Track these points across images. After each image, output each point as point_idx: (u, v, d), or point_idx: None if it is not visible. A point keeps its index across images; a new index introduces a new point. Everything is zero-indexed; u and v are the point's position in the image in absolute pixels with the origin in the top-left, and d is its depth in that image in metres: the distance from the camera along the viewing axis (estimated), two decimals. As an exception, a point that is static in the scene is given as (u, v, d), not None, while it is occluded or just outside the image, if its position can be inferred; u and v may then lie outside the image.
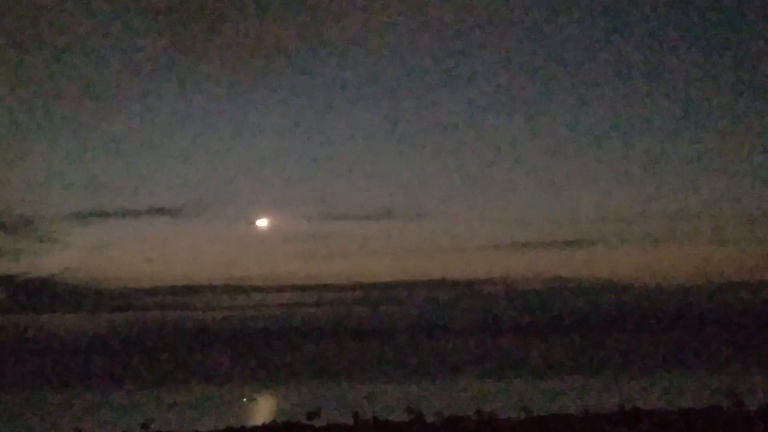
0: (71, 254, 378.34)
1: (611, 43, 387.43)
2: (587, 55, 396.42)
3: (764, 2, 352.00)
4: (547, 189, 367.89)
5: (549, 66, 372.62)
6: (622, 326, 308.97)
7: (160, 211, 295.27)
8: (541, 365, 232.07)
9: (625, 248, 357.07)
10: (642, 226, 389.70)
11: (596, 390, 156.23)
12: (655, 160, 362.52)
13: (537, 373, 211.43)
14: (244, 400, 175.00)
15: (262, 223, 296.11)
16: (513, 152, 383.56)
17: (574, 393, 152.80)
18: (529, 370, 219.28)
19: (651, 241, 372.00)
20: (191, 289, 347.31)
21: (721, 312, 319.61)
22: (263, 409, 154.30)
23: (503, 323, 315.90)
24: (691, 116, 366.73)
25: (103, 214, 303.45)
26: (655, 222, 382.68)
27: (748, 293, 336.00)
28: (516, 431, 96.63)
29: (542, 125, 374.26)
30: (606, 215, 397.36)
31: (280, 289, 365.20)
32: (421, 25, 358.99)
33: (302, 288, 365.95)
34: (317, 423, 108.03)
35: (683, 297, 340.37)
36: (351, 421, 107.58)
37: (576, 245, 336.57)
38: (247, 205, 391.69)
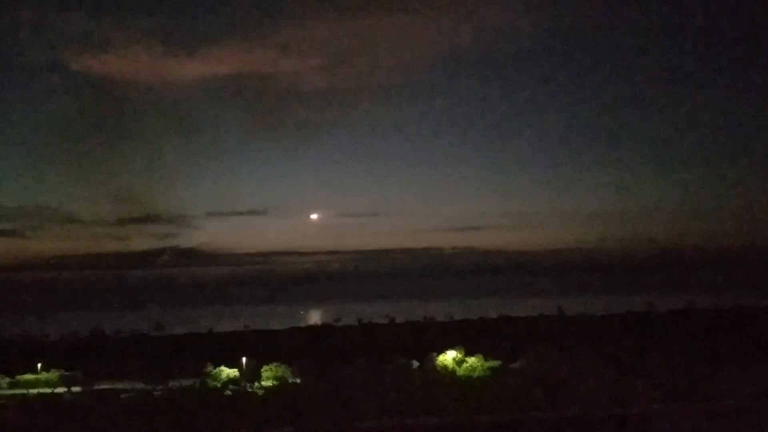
0: (205, 235, 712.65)
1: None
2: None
3: None
4: (465, 196, 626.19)
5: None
6: (518, 276, 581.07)
7: (253, 212, 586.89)
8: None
9: (510, 230, 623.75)
10: (519, 218, 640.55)
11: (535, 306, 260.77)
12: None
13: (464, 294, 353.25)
14: (301, 312, 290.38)
15: (314, 216, 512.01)
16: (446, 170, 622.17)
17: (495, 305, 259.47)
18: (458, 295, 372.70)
19: (522, 227, 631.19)
20: (269, 254, 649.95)
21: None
22: (311, 318, 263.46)
23: (440, 272, 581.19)
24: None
25: (222, 214, 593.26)
26: (525, 217, 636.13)
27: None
28: (451, 328, 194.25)
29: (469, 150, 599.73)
30: (500, 211, 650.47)
31: (316, 254, 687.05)
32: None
33: (330, 253, 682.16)
34: (339, 324, 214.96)
35: (543, 258, 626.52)
36: (357, 323, 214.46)
37: (477, 228, 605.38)
38: (300, 207, 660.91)
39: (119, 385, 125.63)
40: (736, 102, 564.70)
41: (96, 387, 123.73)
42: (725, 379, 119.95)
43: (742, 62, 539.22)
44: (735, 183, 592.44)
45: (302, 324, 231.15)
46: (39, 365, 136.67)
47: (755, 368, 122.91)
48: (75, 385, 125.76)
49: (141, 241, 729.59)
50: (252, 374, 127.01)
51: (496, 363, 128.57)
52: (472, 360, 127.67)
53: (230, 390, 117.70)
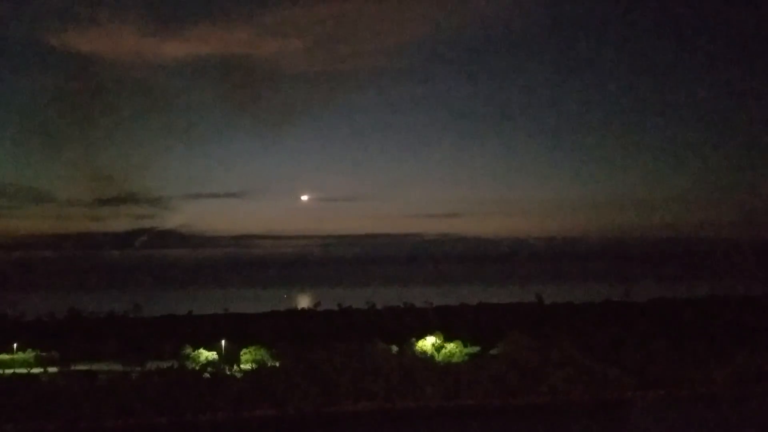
0: (183, 217, 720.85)
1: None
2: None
3: None
4: (444, 183, 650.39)
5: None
6: (497, 263, 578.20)
7: (231, 194, 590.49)
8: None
9: (485, 218, 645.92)
10: (498, 206, 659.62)
11: (514, 293, 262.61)
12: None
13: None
14: (284, 296, 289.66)
15: (304, 198, 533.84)
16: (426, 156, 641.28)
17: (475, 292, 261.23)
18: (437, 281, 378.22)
19: (501, 215, 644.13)
20: (249, 237, 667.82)
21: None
22: (291, 302, 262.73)
23: (419, 258, 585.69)
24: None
25: (200, 196, 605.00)
26: (497, 204, 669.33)
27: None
28: (430, 314, 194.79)
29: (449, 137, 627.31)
30: (479, 198, 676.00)
31: (296, 237, 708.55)
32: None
33: (310, 237, 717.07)
34: (319, 309, 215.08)
35: (522, 246, 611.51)
36: (337, 308, 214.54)
37: (457, 215, 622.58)
38: (278, 191, 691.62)
39: (96, 366, 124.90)
40: (710, 95, 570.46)
41: (73, 368, 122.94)
42: (700, 367, 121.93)
43: (719, 58, 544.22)
44: (709, 173, 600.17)
45: (282, 308, 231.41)
46: (15, 345, 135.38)
47: (729, 356, 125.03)
48: (51, 365, 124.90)
49: (118, 221, 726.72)
50: (231, 357, 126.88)
51: (474, 349, 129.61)
52: (450, 346, 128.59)
53: (209, 372, 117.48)
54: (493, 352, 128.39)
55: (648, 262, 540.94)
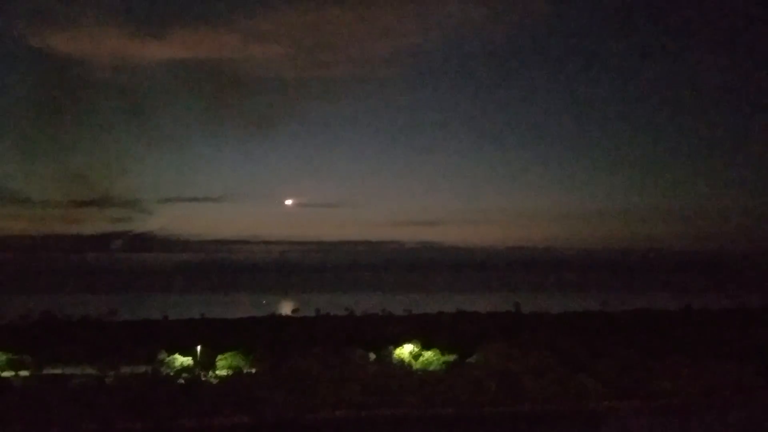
0: (160, 220, 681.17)
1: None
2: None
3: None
4: (425, 191, 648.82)
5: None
6: (476, 271, 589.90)
7: (209, 199, 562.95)
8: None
9: (465, 226, 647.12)
10: (478, 214, 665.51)
11: (492, 302, 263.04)
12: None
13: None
14: (263, 302, 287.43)
15: (288, 202, 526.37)
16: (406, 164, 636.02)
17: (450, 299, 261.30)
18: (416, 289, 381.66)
19: (481, 223, 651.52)
20: (228, 242, 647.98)
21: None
22: (269, 307, 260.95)
23: (398, 266, 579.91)
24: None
25: (178, 199, 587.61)
26: (476, 213, 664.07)
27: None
28: (409, 321, 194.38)
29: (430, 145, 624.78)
30: (459, 207, 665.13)
31: (274, 243, 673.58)
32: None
33: (289, 243, 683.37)
34: (297, 315, 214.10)
35: (500, 255, 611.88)
36: (315, 314, 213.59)
37: (437, 223, 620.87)
38: (257, 196, 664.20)
39: (69, 370, 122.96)
40: (693, 106, 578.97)
41: (45, 371, 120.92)
42: (674, 378, 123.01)
43: (701, 66, 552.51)
44: (691, 186, 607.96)
45: (260, 314, 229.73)
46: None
47: (704, 367, 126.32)
48: (23, 369, 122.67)
49: (94, 224, 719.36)
50: (207, 363, 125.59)
51: (452, 357, 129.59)
52: (428, 354, 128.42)
53: (183, 378, 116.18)
54: (470, 360, 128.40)
55: (625, 273, 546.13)
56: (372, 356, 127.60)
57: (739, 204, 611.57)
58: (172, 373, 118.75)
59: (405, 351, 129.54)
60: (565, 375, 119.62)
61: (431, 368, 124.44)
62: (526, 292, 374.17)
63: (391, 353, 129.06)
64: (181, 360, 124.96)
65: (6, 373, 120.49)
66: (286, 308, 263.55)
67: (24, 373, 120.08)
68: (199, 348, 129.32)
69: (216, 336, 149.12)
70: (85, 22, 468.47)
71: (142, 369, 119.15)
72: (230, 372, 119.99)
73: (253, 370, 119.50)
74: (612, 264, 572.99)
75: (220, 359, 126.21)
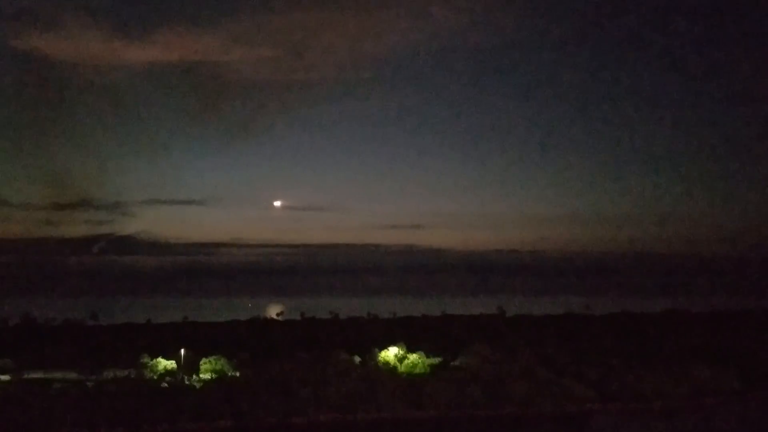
0: (142, 223, 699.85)
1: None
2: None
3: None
4: (407, 195, 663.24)
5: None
6: (459, 275, 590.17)
7: (192, 201, 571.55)
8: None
9: (448, 230, 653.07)
10: (460, 218, 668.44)
11: (476, 305, 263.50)
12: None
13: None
14: (249, 305, 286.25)
15: (277, 204, 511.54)
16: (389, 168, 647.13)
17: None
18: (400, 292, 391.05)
19: (463, 227, 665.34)
20: (210, 245, 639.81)
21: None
22: (255, 311, 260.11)
23: (382, 269, 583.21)
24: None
25: (160, 202, 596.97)
26: (460, 217, 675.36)
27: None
28: (394, 324, 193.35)
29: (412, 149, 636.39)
30: (441, 211, 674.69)
31: (258, 246, 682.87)
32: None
33: (272, 246, 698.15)
34: (281, 318, 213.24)
35: (483, 258, 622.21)
36: (300, 318, 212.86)
37: (421, 227, 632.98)
38: (240, 199, 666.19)
39: (51, 375, 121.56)
40: (678, 111, 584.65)
41: (26, 376, 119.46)
42: (658, 381, 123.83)
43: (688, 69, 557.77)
44: (667, 190, 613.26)
45: (244, 317, 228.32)
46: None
47: (685, 370, 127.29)
48: (4, 373, 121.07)
49: (76, 227, 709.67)
50: (190, 366, 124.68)
51: (436, 360, 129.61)
52: (413, 356, 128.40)
53: (167, 382, 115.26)
54: (455, 363, 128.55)
55: (609, 277, 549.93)
56: (357, 359, 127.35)
57: (719, 208, 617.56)
58: (155, 377, 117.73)
59: (390, 354, 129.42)
60: (548, 378, 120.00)
61: (416, 371, 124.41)
62: (510, 295, 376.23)
63: (376, 356, 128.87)
64: (165, 364, 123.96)
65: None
66: (271, 312, 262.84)
67: (4, 377, 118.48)
68: (182, 352, 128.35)
69: (199, 339, 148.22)
70: (67, 25, 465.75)
71: (124, 373, 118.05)
72: (214, 376, 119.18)
73: (237, 374, 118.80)
74: (594, 267, 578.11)
75: (204, 363, 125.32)
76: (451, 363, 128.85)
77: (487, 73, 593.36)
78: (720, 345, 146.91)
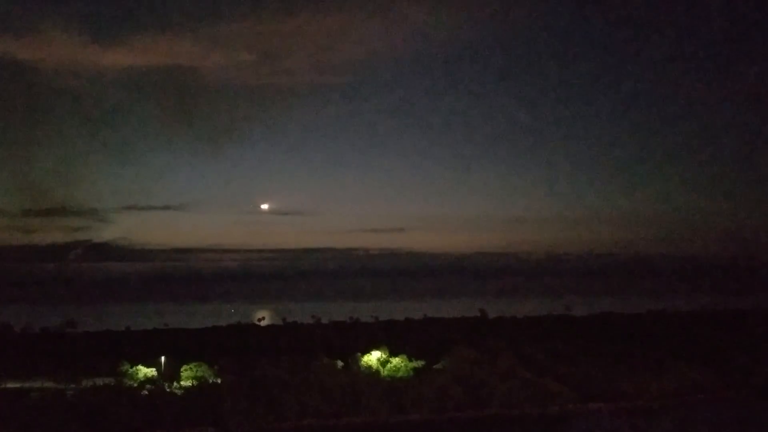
0: (119, 230, 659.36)
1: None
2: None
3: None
4: (390, 198, 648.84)
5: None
6: (441, 277, 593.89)
7: (170, 207, 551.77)
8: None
9: (430, 233, 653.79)
10: (443, 221, 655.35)
11: (458, 307, 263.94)
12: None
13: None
14: (232, 311, 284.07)
15: (264, 206, 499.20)
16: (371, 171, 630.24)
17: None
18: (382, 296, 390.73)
19: (446, 230, 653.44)
20: (189, 251, 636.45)
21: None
22: (234, 316, 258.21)
23: (364, 273, 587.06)
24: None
25: (137, 208, 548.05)
26: (442, 220, 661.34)
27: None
28: (376, 328, 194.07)
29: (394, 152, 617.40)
30: (424, 214, 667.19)
31: (238, 251, 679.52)
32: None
33: (252, 251, 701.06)
34: (263, 323, 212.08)
35: (466, 261, 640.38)
36: (281, 323, 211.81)
37: (402, 230, 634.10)
38: (219, 204, 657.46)
39: (28, 384, 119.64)
40: (664, 110, 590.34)
41: (2, 386, 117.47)
42: (637, 380, 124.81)
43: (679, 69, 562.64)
44: (654, 191, 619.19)
45: (224, 323, 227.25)
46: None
47: (666, 370, 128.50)
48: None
49: (51, 234, 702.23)
50: (171, 374, 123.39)
51: (419, 363, 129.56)
52: (396, 360, 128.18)
53: (147, 390, 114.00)
54: (437, 366, 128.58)
55: (590, 279, 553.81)
56: (340, 364, 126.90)
57: (704, 207, 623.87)
58: (135, 385, 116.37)
59: (373, 358, 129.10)
60: (530, 379, 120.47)
61: (399, 375, 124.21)
62: (492, 298, 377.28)
63: (358, 360, 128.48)
64: (145, 371, 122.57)
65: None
66: (250, 316, 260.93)
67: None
68: (163, 359, 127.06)
69: (180, 346, 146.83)
70: (42, 28, 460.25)
71: (104, 381, 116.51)
72: (195, 383, 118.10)
73: (219, 381, 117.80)
74: (576, 269, 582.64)
75: (185, 370, 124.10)
76: (434, 366, 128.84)
77: (466, 76, 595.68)
78: (699, 343, 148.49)
